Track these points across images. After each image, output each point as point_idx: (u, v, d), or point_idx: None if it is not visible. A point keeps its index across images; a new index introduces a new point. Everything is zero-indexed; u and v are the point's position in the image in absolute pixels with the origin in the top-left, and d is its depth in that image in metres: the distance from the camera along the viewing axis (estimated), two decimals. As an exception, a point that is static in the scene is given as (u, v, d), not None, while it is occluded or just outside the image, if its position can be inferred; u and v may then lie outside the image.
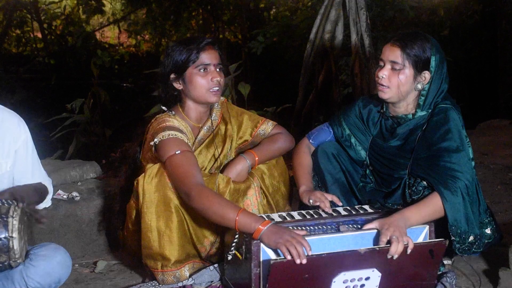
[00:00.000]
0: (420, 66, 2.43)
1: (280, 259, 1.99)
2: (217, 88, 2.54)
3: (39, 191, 2.33)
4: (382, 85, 2.48)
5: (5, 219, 1.97)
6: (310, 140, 2.76)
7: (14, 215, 1.99)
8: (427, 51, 2.43)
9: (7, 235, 1.96)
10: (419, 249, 2.15)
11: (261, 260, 2.12)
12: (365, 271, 2.11)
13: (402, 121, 2.53)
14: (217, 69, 2.55)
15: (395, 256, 2.10)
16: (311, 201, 2.48)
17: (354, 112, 2.70)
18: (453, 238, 2.34)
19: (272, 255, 2.11)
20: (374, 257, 2.10)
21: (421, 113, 2.49)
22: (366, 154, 2.65)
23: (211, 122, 2.67)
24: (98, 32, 13.63)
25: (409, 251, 2.11)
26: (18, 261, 2.02)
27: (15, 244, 1.98)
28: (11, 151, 2.25)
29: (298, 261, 1.97)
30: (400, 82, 2.44)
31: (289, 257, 1.99)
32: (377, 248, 2.11)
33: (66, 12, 13.08)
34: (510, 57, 8.23)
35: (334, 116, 2.77)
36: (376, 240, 2.20)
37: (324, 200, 2.45)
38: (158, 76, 2.63)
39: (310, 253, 2.02)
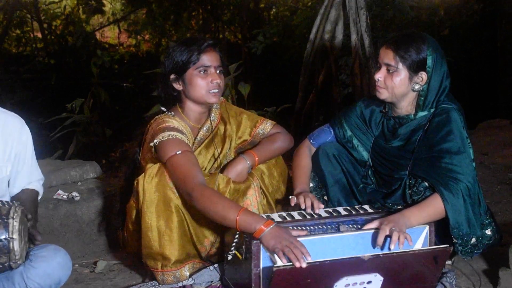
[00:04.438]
0: (414, 67, 2.42)
1: (283, 266, 1.96)
2: (216, 90, 2.54)
3: (36, 203, 2.38)
4: (379, 86, 2.48)
5: (5, 220, 1.97)
6: (311, 141, 2.75)
7: (14, 216, 1.99)
8: (422, 51, 2.41)
9: (7, 236, 1.97)
10: (424, 256, 2.14)
11: (261, 260, 2.12)
12: (368, 276, 2.09)
13: (404, 122, 2.52)
14: (217, 71, 2.55)
15: (400, 247, 2.09)
16: (293, 202, 2.44)
17: (355, 113, 2.70)
18: (455, 240, 2.34)
19: (272, 256, 2.11)
20: (378, 263, 2.08)
21: (422, 113, 2.48)
22: (368, 155, 2.65)
23: (210, 122, 2.67)
24: (98, 32, 13.64)
25: (400, 246, 2.11)
26: (18, 262, 2.02)
27: (16, 245, 1.98)
28: (12, 155, 2.27)
29: (297, 265, 1.95)
30: (395, 85, 2.44)
31: (284, 261, 1.98)
32: (381, 255, 2.08)
33: (66, 12, 13.10)
34: (510, 57, 8.23)
35: (335, 118, 2.77)
36: (376, 239, 2.20)
37: (306, 199, 2.42)
38: (158, 76, 2.64)
39: (309, 259, 2.00)
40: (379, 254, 2.09)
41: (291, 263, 1.96)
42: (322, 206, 2.44)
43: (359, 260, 2.02)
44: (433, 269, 2.20)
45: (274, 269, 1.93)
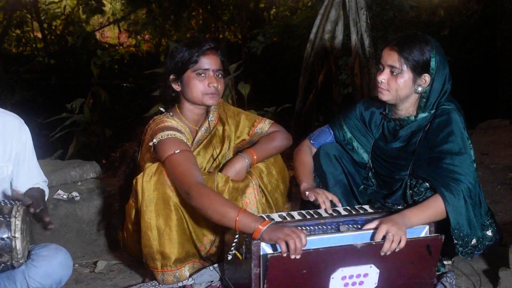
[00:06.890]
0: (418, 69, 2.41)
1: (277, 253, 2.00)
2: (214, 93, 2.54)
3: (43, 193, 2.36)
4: (382, 88, 2.48)
5: (7, 219, 1.98)
6: (311, 141, 2.76)
7: (16, 215, 1.99)
8: (426, 53, 2.41)
9: (9, 235, 1.97)
10: (416, 245, 2.16)
11: (261, 260, 2.12)
12: (363, 267, 2.12)
13: (405, 123, 2.52)
14: (216, 75, 2.55)
15: (388, 253, 2.10)
16: (312, 198, 2.47)
17: (354, 115, 2.69)
18: (456, 241, 2.34)
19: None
20: (371, 252, 2.11)
21: (423, 115, 2.48)
22: (368, 156, 2.65)
23: (208, 123, 2.67)
24: (98, 32, 13.65)
25: (397, 249, 2.11)
26: (20, 261, 2.03)
27: (18, 244, 1.99)
28: (12, 155, 2.26)
29: (293, 256, 1.98)
30: (399, 87, 2.43)
31: (285, 250, 2.00)
32: (374, 243, 2.12)
33: (66, 12, 13.11)
34: (510, 57, 8.23)
35: (335, 119, 2.77)
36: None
37: (325, 199, 2.45)
38: (160, 75, 2.64)
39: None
40: (371, 242, 2.12)
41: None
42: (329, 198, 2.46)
43: (352, 247, 2.06)
44: (429, 261, 2.21)
45: (269, 256, 1.97)
